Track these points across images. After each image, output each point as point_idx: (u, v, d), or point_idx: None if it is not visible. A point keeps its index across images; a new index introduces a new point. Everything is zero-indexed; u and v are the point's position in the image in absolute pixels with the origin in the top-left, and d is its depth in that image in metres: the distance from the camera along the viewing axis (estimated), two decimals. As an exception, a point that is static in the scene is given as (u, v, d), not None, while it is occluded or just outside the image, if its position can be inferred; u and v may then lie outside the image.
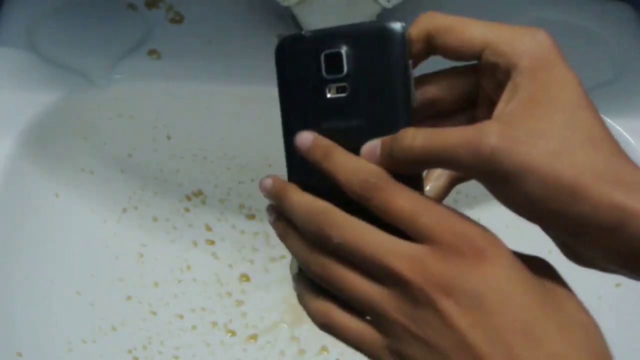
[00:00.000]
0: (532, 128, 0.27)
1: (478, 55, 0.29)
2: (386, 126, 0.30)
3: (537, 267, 0.31)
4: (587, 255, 0.31)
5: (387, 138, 0.29)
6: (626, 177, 0.27)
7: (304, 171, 0.33)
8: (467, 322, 0.27)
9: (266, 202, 0.70)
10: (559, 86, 0.27)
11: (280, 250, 0.68)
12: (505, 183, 0.27)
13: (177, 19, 0.66)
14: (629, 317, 0.58)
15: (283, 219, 0.32)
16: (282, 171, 0.69)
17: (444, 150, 0.27)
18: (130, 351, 0.58)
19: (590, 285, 0.62)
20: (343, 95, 0.32)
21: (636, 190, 0.27)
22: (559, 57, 0.28)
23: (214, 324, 0.62)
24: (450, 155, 0.27)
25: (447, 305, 0.27)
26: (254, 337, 0.62)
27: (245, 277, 0.65)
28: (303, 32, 0.34)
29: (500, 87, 0.29)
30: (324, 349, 0.62)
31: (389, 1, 0.60)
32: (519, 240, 0.68)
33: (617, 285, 0.60)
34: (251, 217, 0.68)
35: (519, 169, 0.27)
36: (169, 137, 0.66)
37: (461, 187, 0.68)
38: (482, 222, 0.74)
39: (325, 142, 0.31)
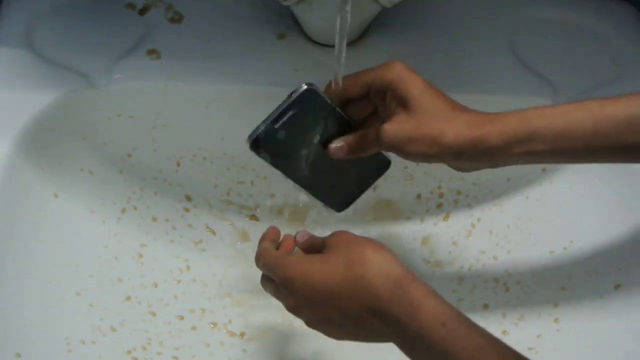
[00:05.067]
0: (405, 118, 0.47)
1: (367, 90, 0.50)
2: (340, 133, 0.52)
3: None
4: (466, 167, 0.50)
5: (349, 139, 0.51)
6: (464, 117, 0.47)
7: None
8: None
9: (266, 201, 0.70)
10: (413, 89, 0.47)
11: (280, 250, 0.68)
12: (400, 151, 0.48)
13: (177, 19, 0.66)
14: (628, 316, 0.59)
15: None
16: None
17: (367, 148, 0.50)
18: (129, 352, 0.58)
19: (592, 287, 0.62)
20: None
21: (473, 124, 0.46)
22: (409, 73, 0.48)
23: (214, 324, 0.62)
24: (370, 149, 0.50)
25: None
26: (253, 337, 0.62)
27: (245, 278, 0.65)
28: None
29: (382, 96, 0.49)
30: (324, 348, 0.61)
31: (389, 1, 0.60)
32: (519, 240, 0.68)
33: (617, 286, 0.60)
34: (251, 217, 0.68)
35: (402, 142, 0.47)
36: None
37: (461, 188, 0.69)
38: (483, 222, 0.74)
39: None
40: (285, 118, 0.50)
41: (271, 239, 0.53)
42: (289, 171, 0.52)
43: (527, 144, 0.46)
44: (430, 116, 0.47)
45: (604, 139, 0.45)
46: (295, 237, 0.51)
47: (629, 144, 0.45)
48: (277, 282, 0.48)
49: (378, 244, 0.46)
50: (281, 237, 0.54)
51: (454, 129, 0.46)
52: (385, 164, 0.55)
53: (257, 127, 0.50)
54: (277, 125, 0.50)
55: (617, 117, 0.45)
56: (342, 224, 0.68)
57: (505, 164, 0.49)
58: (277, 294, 0.49)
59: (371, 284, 0.43)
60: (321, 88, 0.50)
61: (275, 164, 0.51)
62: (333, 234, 0.48)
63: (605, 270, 0.61)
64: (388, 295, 0.42)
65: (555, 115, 0.46)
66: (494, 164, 0.49)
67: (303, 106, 0.50)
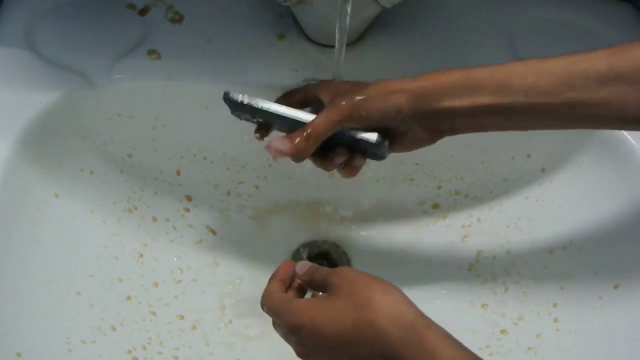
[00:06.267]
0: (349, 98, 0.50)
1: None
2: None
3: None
4: (415, 129, 0.50)
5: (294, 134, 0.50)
6: (412, 78, 0.50)
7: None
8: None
9: (265, 202, 0.70)
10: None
11: (280, 251, 0.68)
12: (356, 112, 0.49)
13: (177, 19, 0.66)
14: (627, 316, 0.59)
15: None
16: (282, 170, 0.69)
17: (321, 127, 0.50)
18: (129, 351, 0.58)
19: (592, 287, 0.62)
20: None
21: (421, 77, 0.50)
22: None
23: (214, 324, 0.62)
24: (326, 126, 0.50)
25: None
26: (253, 337, 0.62)
27: (245, 277, 0.65)
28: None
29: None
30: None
31: (389, 1, 0.60)
32: (519, 240, 0.68)
33: (616, 286, 0.60)
34: (251, 217, 0.68)
35: (349, 110, 0.49)
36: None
37: (461, 188, 0.69)
38: (483, 222, 0.74)
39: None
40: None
41: (281, 277, 0.50)
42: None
43: (473, 96, 0.48)
44: (377, 82, 0.50)
45: (543, 95, 0.47)
46: (295, 269, 0.49)
47: (567, 100, 0.46)
48: (284, 328, 0.46)
49: (386, 285, 0.44)
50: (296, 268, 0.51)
51: (404, 82, 0.50)
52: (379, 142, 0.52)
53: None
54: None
55: (555, 71, 0.47)
56: (342, 224, 0.68)
57: (455, 125, 0.50)
58: (287, 340, 0.47)
59: (382, 330, 0.41)
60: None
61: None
62: (336, 272, 0.46)
63: (604, 270, 0.61)
64: (400, 342, 0.40)
65: (498, 69, 0.49)
66: (446, 124, 0.50)
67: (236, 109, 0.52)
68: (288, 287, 0.50)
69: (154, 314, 0.61)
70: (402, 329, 0.41)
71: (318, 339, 0.43)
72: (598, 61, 0.47)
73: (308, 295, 0.50)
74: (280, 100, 0.54)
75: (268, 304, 0.48)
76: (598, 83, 0.46)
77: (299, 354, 0.46)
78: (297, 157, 0.50)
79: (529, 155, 0.66)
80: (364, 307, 0.42)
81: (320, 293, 0.47)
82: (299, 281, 0.50)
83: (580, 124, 0.49)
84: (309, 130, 0.49)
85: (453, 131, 0.51)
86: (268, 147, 0.49)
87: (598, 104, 0.46)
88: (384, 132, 0.51)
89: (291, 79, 0.63)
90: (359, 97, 0.49)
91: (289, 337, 0.46)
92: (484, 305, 0.64)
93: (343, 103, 0.49)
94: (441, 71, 0.49)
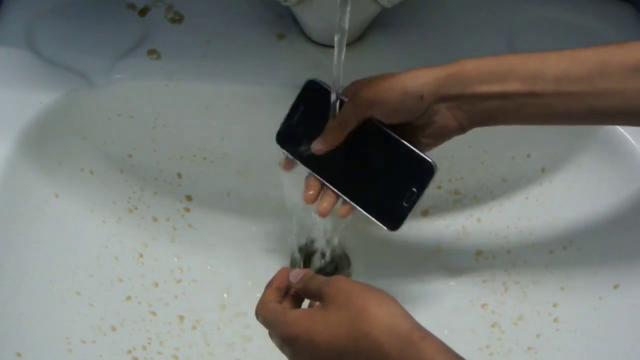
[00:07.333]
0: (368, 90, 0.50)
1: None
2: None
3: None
4: (441, 117, 0.50)
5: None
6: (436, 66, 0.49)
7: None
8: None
9: (266, 203, 0.70)
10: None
11: (280, 251, 0.68)
12: (378, 105, 0.50)
13: (177, 19, 0.66)
14: (627, 316, 0.59)
15: None
16: (282, 171, 0.69)
17: (346, 120, 0.51)
18: (129, 351, 0.58)
19: (592, 287, 0.62)
20: None
21: (447, 64, 0.49)
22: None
23: (214, 324, 0.62)
24: (349, 119, 0.51)
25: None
26: (254, 337, 0.62)
27: (245, 278, 0.65)
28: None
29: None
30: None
31: (389, 1, 0.60)
32: (519, 240, 0.68)
33: (616, 286, 0.60)
34: (252, 217, 0.68)
35: (371, 100, 0.50)
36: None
37: (461, 188, 0.69)
38: (483, 222, 0.74)
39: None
40: (298, 113, 0.53)
41: (277, 285, 0.49)
42: (322, 172, 0.53)
43: (503, 82, 0.47)
44: (402, 73, 0.49)
45: (576, 82, 0.46)
46: (288, 277, 0.48)
47: (600, 89, 0.46)
48: (279, 339, 0.46)
49: (381, 295, 0.43)
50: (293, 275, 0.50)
51: (430, 69, 0.48)
52: (429, 170, 0.50)
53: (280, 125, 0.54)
54: (293, 121, 0.53)
55: (589, 60, 0.47)
56: (343, 224, 0.68)
57: (482, 115, 0.49)
58: (282, 350, 0.47)
59: (378, 342, 0.40)
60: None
61: (305, 162, 0.54)
62: (330, 282, 0.45)
63: (604, 270, 0.61)
64: (396, 353, 0.40)
65: (531, 57, 0.48)
66: (471, 114, 0.49)
67: (309, 99, 0.53)
68: (284, 295, 0.49)
69: (154, 314, 0.61)
70: (398, 340, 0.40)
71: (313, 350, 0.43)
72: (632, 51, 0.46)
73: (305, 303, 0.50)
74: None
75: (263, 315, 0.47)
76: (633, 72, 0.46)
77: None
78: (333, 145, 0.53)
79: (529, 155, 0.66)
80: (359, 318, 0.41)
81: (317, 303, 0.47)
82: (294, 295, 0.49)
83: (607, 118, 0.49)
84: (336, 124, 0.51)
85: (483, 121, 0.50)
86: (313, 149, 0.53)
87: (632, 94, 0.46)
88: (407, 126, 0.51)
89: (291, 79, 0.63)
90: (381, 85, 0.49)
91: (284, 348, 0.46)
92: (484, 305, 0.64)
93: (366, 93, 0.49)
94: (470, 58, 0.48)
